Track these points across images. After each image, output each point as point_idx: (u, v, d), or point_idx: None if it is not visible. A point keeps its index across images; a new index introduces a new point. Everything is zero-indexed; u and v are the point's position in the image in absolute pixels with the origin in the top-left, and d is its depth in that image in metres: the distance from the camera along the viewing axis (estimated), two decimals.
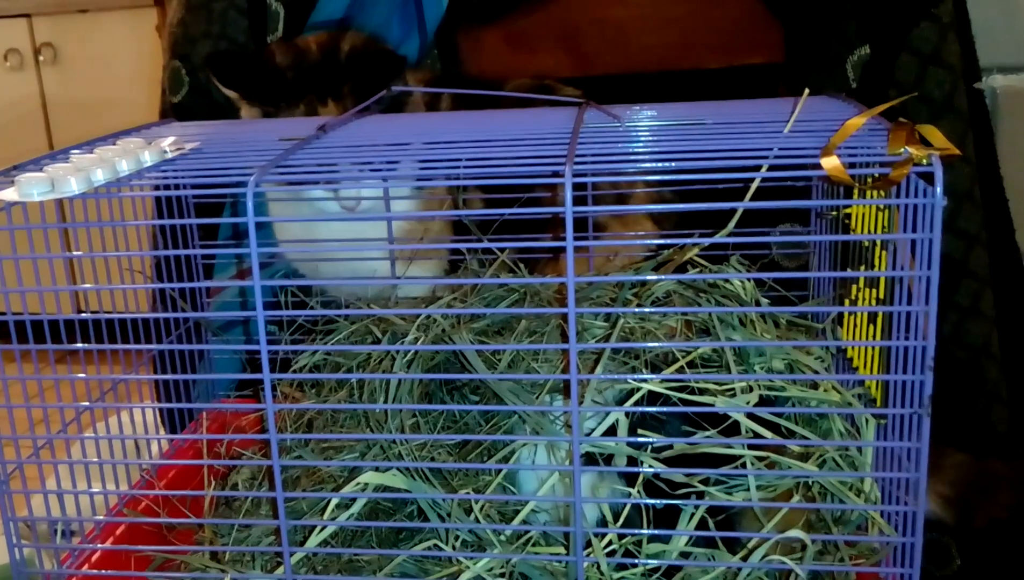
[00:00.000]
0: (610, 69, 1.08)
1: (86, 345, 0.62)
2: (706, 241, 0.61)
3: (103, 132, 0.69)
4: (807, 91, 0.61)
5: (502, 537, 0.60)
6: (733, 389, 0.58)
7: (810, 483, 0.60)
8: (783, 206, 0.52)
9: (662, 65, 1.07)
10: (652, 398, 0.59)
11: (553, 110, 0.71)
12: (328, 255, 0.85)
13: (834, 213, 0.70)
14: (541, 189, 0.71)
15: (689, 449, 0.57)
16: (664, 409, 0.57)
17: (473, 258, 0.78)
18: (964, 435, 0.90)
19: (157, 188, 0.75)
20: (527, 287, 0.72)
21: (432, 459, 0.66)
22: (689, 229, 0.71)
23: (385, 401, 0.66)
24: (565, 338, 0.64)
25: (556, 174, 0.50)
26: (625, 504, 0.59)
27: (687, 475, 0.57)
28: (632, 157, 0.55)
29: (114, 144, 0.64)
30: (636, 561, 0.57)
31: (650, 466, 0.57)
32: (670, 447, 0.57)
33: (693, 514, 0.58)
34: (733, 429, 0.58)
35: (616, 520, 0.59)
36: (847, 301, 0.65)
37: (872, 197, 0.56)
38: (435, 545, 0.61)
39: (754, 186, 0.53)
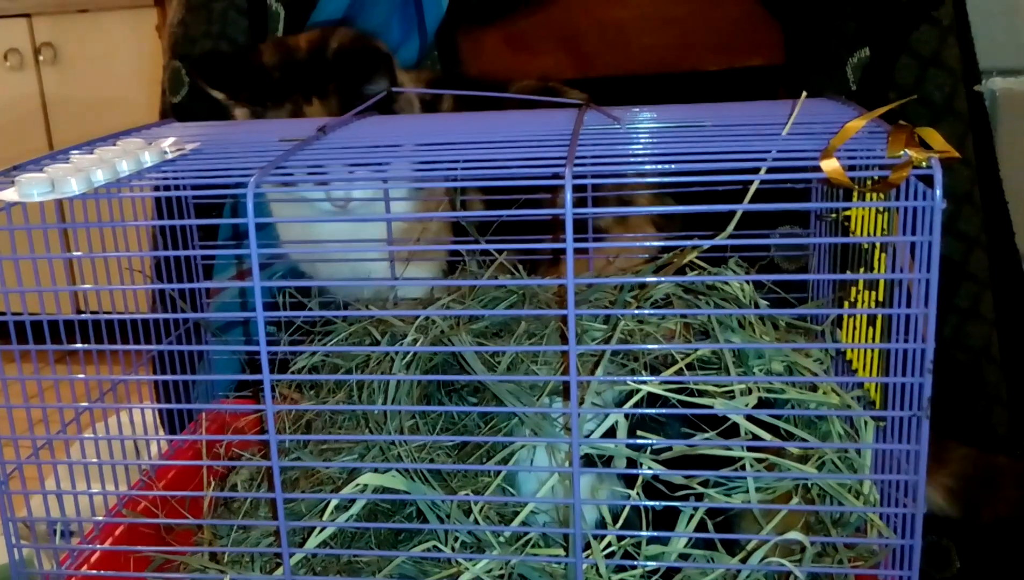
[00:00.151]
0: (610, 70, 1.08)
1: (86, 345, 0.62)
2: (706, 243, 0.61)
3: (103, 132, 0.69)
4: (804, 93, 0.61)
5: (501, 539, 0.60)
6: (732, 391, 0.59)
7: (809, 485, 0.60)
8: (782, 208, 0.52)
9: (662, 66, 1.07)
10: (651, 400, 0.59)
11: (553, 112, 0.71)
12: (327, 255, 0.85)
13: (833, 215, 0.70)
14: (542, 191, 0.71)
15: (688, 451, 0.57)
16: (663, 411, 0.57)
17: (472, 259, 0.78)
18: (964, 437, 0.90)
19: (157, 189, 0.75)
20: (526, 289, 0.72)
21: (431, 460, 0.66)
22: (689, 231, 0.71)
23: (384, 402, 0.66)
24: (564, 340, 0.64)
25: (556, 176, 0.50)
26: (624, 506, 0.59)
27: (686, 477, 0.57)
28: (632, 159, 0.55)
29: (114, 145, 0.64)
30: (635, 563, 0.57)
31: (649, 468, 0.57)
32: (669, 449, 0.57)
33: (692, 516, 0.58)
34: (732, 431, 0.58)
35: (615, 522, 0.59)
36: (846, 303, 0.65)
37: (871, 199, 0.56)
38: (434, 546, 0.61)
39: (753, 188, 0.53)
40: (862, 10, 0.97)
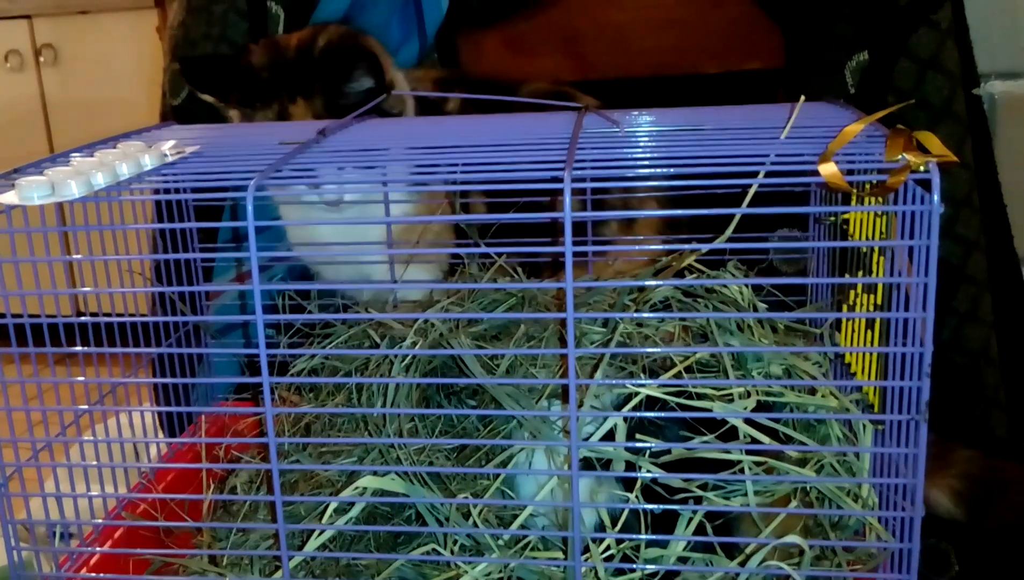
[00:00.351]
0: (609, 73, 1.08)
1: (85, 348, 0.62)
2: (704, 247, 0.61)
3: (103, 133, 0.69)
4: (803, 97, 0.61)
5: (500, 541, 0.60)
6: (731, 394, 0.59)
7: (808, 489, 0.60)
8: (781, 212, 0.52)
9: (661, 69, 1.07)
10: (650, 403, 0.59)
11: (553, 115, 0.71)
12: (329, 257, 0.85)
13: (832, 219, 0.70)
14: (544, 194, 0.72)
15: (687, 454, 0.57)
16: (662, 414, 0.57)
17: (472, 262, 0.78)
18: (963, 440, 0.90)
19: (157, 192, 0.75)
20: (525, 292, 0.72)
21: (430, 463, 0.66)
22: (688, 235, 0.71)
23: (383, 405, 0.66)
24: (563, 343, 0.64)
25: (555, 180, 0.50)
26: (623, 509, 0.59)
27: (685, 480, 0.57)
28: (631, 163, 0.55)
29: (114, 147, 0.64)
30: (634, 566, 0.57)
31: (648, 471, 0.57)
32: (668, 452, 0.57)
33: (691, 519, 0.58)
34: (731, 434, 0.58)
35: (614, 525, 0.59)
36: (845, 307, 0.65)
37: (870, 203, 0.56)
38: (433, 549, 0.61)
39: (751, 192, 0.53)
40: (861, 14, 0.97)
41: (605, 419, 0.60)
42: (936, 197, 0.48)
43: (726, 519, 0.59)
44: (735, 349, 0.62)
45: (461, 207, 0.86)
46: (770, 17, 1.04)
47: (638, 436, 0.58)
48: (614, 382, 0.61)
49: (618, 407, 0.61)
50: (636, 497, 0.58)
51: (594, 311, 0.69)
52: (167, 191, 0.75)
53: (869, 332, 0.61)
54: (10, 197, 0.55)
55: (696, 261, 0.66)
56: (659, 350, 0.62)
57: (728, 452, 0.57)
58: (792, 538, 0.55)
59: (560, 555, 0.60)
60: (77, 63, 2.14)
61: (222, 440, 0.81)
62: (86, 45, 2.13)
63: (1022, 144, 1.08)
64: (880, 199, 0.53)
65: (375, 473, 0.60)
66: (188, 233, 0.82)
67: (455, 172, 0.57)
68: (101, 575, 0.67)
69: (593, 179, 0.65)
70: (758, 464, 0.58)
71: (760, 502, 0.58)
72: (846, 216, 0.65)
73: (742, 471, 0.57)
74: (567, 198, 0.48)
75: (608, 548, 0.58)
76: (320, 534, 0.60)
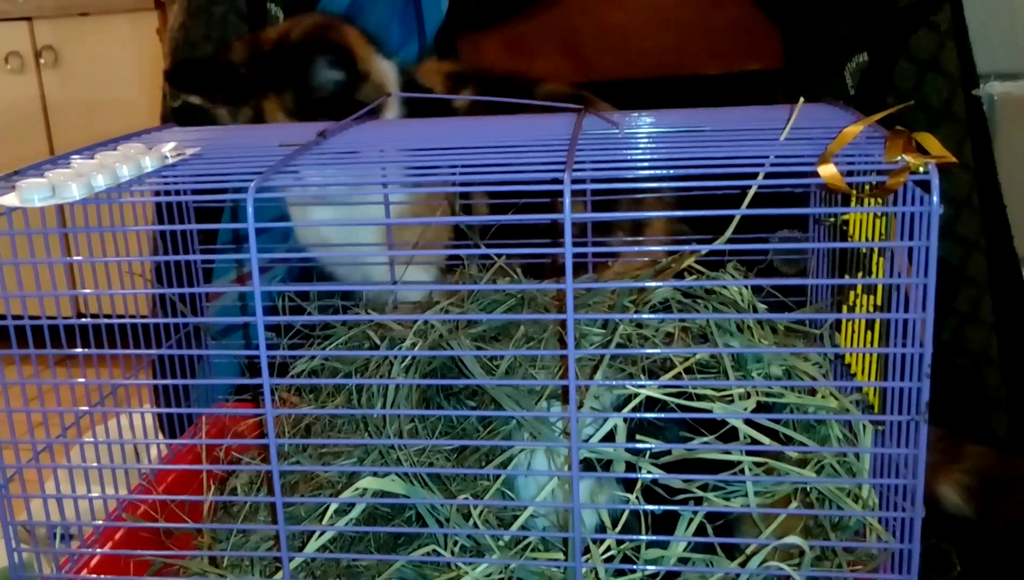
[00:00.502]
0: (609, 74, 1.08)
1: (86, 349, 0.62)
2: (704, 248, 0.61)
3: (104, 135, 0.69)
4: (802, 99, 0.61)
5: (501, 542, 0.60)
6: (731, 395, 0.59)
7: (808, 489, 0.60)
8: (780, 213, 0.52)
9: (661, 71, 1.07)
10: (650, 404, 0.59)
11: (552, 116, 0.71)
12: (336, 257, 0.85)
13: (832, 220, 0.70)
14: (546, 195, 0.72)
15: (687, 455, 0.57)
16: (662, 415, 0.57)
17: (472, 264, 0.78)
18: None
19: (158, 193, 0.75)
20: (525, 293, 0.72)
21: (430, 464, 0.66)
22: (688, 236, 0.71)
23: (383, 406, 0.66)
24: (563, 344, 0.64)
25: (555, 181, 0.50)
26: (623, 510, 0.59)
27: (685, 481, 0.57)
28: (630, 164, 0.55)
29: (115, 149, 0.64)
30: (634, 567, 0.57)
31: (648, 472, 0.57)
32: (668, 453, 0.57)
33: (691, 520, 0.58)
34: (731, 435, 0.58)
35: (614, 526, 0.59)
36: (845, 308, 0.65)
37: (869, 204, 0.56)
38: (434, 550, 0.61)
39: (751, 193, 0.53)
40: (860, 15, 0.97)
41: (605, 420, 0.60)
42: (935, 198, 0.48)
43: (726, 520, 0.59)
44: (735, 350, 0.62)
45: (464, 208, 0.86)
46: (769, 18, 1.04)
47: (638, 437, 0.58)
48: (614, 383, 0.61)
49: (618, 408, 0.61)
50: (636, 498, 0.58)
51: (594, 312, 0.70)
52: (167, 193, 0.75)
53: (869, 333, 0.61)
54: (10, 199, 0.55)
55: (696, 262, 0.66)
56: (659, 351, 0.62)
57: (728, 453, 0.57)
58: (792, 539, 0.55)
59: (561, 556, 0.60)
60: (77, 65, 2.15)
61: (222, 441, 0.82)
62: (86, 47, 2.13)
63: (1022, 145, 1.08)
64: (880, 200, 0.53)
65: (375, 474, 0.60)
66: (188, 235, 0.83)
67: (454, 173, 0.57)
68: (101, 576, 0.67)
69: (593, 180, 0.65)
70: (758, 465, 0.58)
71: (760, 503, 0.58)
72: (846, 217, 0.65)
73: (742, 472, 0.57)
74: (567, 199, 0.48)
75: (608, 549, 0.58)
76: (320, 535, 0.60)
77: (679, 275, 0.66)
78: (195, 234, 0.83)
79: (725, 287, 0.66)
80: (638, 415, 0.58)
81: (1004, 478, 0.72)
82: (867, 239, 0.61)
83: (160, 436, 0.88)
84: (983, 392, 0.96)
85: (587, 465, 0.60)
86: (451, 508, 0.60)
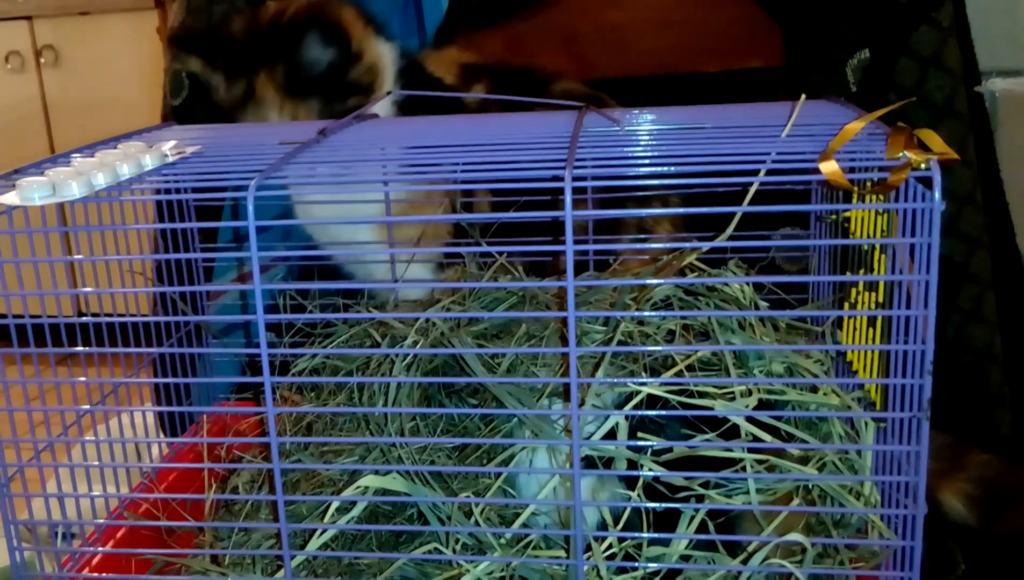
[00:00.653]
0: (609, 73, 1.08)
1: (87, 348, 0.62)
2: (706, 245, 0.61)
3: (104, 134, 0.69)
4: (804, 96, 0.61)
5: (502, 540, 0.60)
6: (733, 392, 0.59)
7: (810, 486, 0.60)
8: (781, 210, 0.52)
9: (661, 69, 1.07)
10: (652, 402, 0.59)
11: (553, 114, 0.71)
12: (346, 252, 0.85)
13: (833, 217, 0.70)
14: (548, 193, 0.71)
15: (689, 452, 0.57)
16: (664, 413, 0.57)
17: (473, 261, 0.78)
18: (967, 439, 0.90)
19: (158, 192, 0.75)
20: (526, 291, 0.72)
21: (432, 462, 0.66)
22: (689, 233, 0.71)
23: (384, 404, 0.66)
24: (564, 342, 0.64)
25: (556, 178, 0.50)
26: (625, 507, 0.59)
27: (687, 479, 0.57)
28: (631, 161, 0.55)
29: (115, 148, 0.64)
30: (636, 564, 0.57)
31: (650, 469, 0.57)
32: (670, 450, 0.57)
33: (693, 517, 0.58)
34: (733, 433, 0.58)
35: (616, 524, 0.59)
36: (847, 305, 0.65)
37: (871, 201, 0.56)
38: (435, 548, 0.61)
39: (752, 190, 0.53)
40: (861, 12, 0.97)
41: (607, 418, 0.60)
42: (937, 194, 0.48)
43: (728, 517, 0.59)
44: (737, 347, 0.62)
45: (466, 206, 0.85)
46: (770, 15, 1.04)
47: (640, 434, 0.58)
48: (615, 381, 0.61)
49: (619, 406, 0.61)
50: (638, 496, 0.58)
51: (595, 310, 0.69)
52: (168, 191, 0.75)
53: (871, 330, 0.61)
54: (11, 197, 0.55)
55: (697, 259, 0.66)
56: (660, 349, 0.62)
57: (730, 450, 0.57)
58: (794, 536, 0.55)
59: (562, 554, 0.60)
60: (78, 64, 2.15)
61: (224, 440, 0.81)
62: (87, 46, 2.13)
63: (1023, 142, 1.08)
64: (881, 197, 0.53)
65: (377, 472, 0.60)
66: (189, 233, 0.83)
67: (455, 171, 0.57)
68: (103, 575, 0.67)
69: (594, 178, 0.65)
70: (760, 462, 0.58)
71: (762, 500, 0.58)
72: (847, 214, 0.65)
73: (744, 469, 0.57)
74: (568, 197, 0.48)
75: (610, 547, 0.58)
76: (322, 533, 0.60)
77: (681, 272, 0.66)
78: (196, 232, 0.83)
79: (727, 284, 0.66)
80: (640, 413, 0.58)
81: (1008, 488, 0.72)
82: (869, 236, 0.61)
83: (161, 435, 0.88)
84: (986, 390, 0.96)
85: (589, 463, 0.60)
86: (452, 506, 0.60)
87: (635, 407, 0.59)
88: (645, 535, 0.57)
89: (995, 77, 1.10)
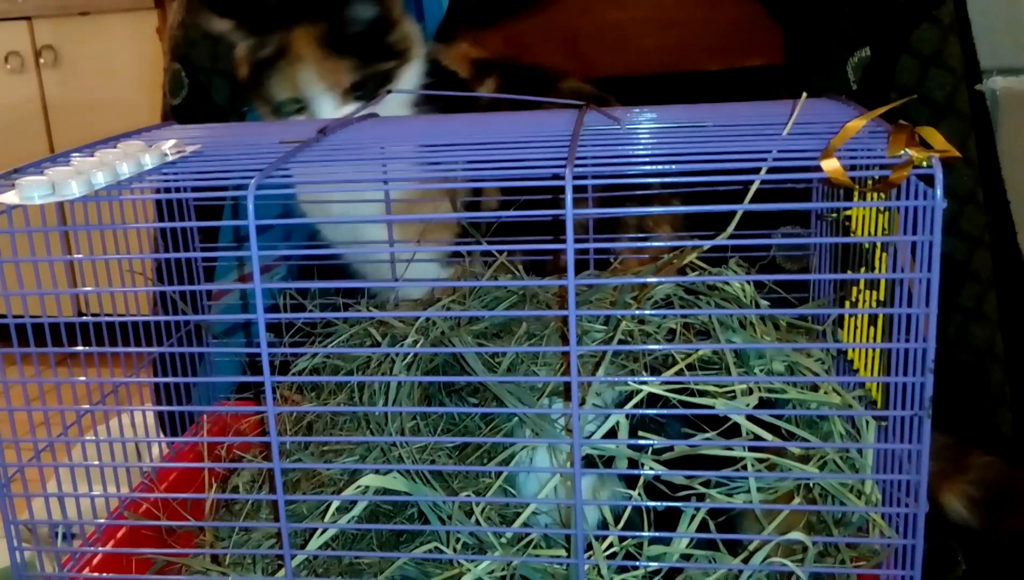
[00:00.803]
0: (609, 72, 1.08)
1: (87, 348, 0.62)
2: (706, 244, 0.61)
3: (104, 134, 0.69)
4: (804, 94, 0.61)
5: (503, 539, 0.60)
6: (733, 391, 0.58)
7: (811, 485, 0.60)
8: (782, 208, 0.52)
9: (662, 68, 1.07)
10: (652, 400, 0.59)
11: (553, 112, 0.71)
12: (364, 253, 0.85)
13: (834, 215, 0.70)
14: (547, 192, 0.71)
15: (690, 451, 0.57)
16: (664, 411, 0.57)
17: (474, 260, 0.78)
18: (968, 438, 0.90)
19: (158, 191, 0.75)
20: (527, 290, 0.72)
21: (432, 462, 0.66)
22: (690, 231, 0.71)
23: (385, 403, 0.66)
24: (565, 341, 0.64)
25: (556, 177, 0.50)
26: (626, 506, 0.59)
27: (688, 477, 0.57)
28: (632, 160, 0.55)
29: (115, 147, 0.64)
30: (637, 563, 0.57)
31: (651, 468, 0.57)
32: (671, 449, 0.57)
33: (694, 516, 0.57)
34: (733, 431, 0.58)
35: (617, 522, 0.59)
36: (848, 303, 0.65)
37: (872, 199, 0.56)
38: (436, 548, 0.61)
39: (753, 188, 0.53)
40: (862, 10, 0.97)
41: (607, 417, 0.60)
42: (939, 192, 0.48)
43: (729, 516, 0.59)
44: (737, 346, 0.62)
45: (473, 205, 0.85)
46: (771, 14, 1.04)
47: (640, 433, 0.58)
48: (616, 379, 0.61)
49: (620, 404, 0.61)
50: (639, 494, 0.58)
51: (596, 309, 0.69)
52: (168, 190, 0.75)
53: (872, 328, 0.61)
54: (11, 197, 0.55)
55: (698, 258, 0.66)
56: (661, 347, 0.62)
57: (731, 449, 0.57)
58: (795, 535, 0.55)
59: (563, 553, 0.60)
60: (77, 64, 2.15)
61: (224, 439, 0.81)
62: (86, 46, 2.13)
63: None
64: (882, 195, 0.53)
65: (377, 472, 0.60)
66: (189, 232, 0.83)
67: (455, 170, 0.57)
68: (104, 575, 0.67)
69: (594, 176, 0.65)
70: (761, 461, 0.58)
71: (763, 499, 0.58)
72: (848, 212, 0.65)
73: (745, 468, 0.57)
74: (568, 195, 0.48)
75: (611, 546, 0.58)
76: (322, 533, 0.60)
77: (681, 271, 0.65)
78: (195, 232, 0.83)
79: (727, 283, 0.66)
80: (640, 411, 0.58)
81: (1010, 490, 0.72)
82: (870, 234, 0.60)
83: (161, 434, 0.88)
84: (987, 389, 0.95)
85: (589, 462, 0.60)
86: (453, 505, 0.60)
87: (636, 406, 0.59)
88: (646, 534, 0.57)
89: (996, 75, 1.09)
